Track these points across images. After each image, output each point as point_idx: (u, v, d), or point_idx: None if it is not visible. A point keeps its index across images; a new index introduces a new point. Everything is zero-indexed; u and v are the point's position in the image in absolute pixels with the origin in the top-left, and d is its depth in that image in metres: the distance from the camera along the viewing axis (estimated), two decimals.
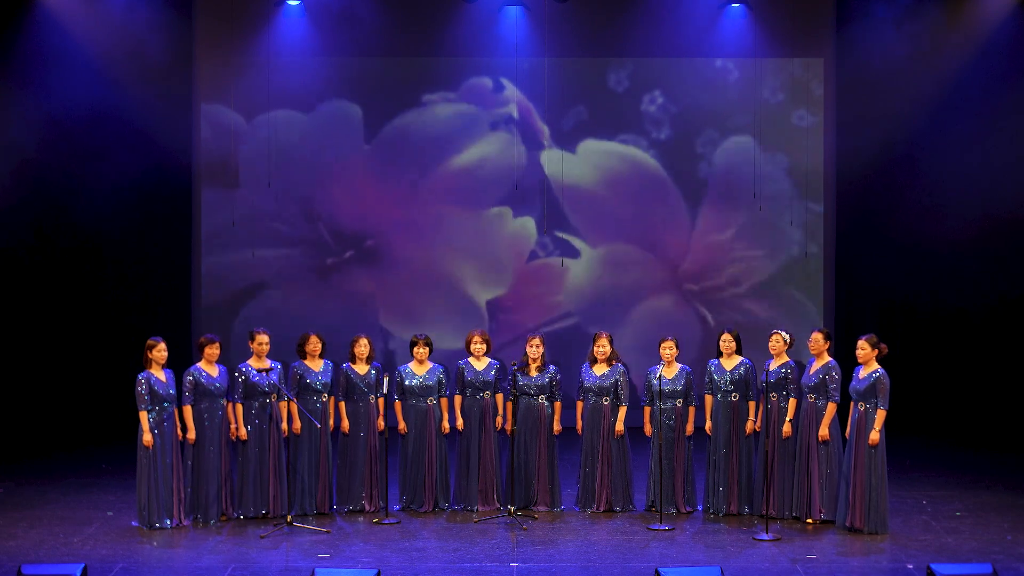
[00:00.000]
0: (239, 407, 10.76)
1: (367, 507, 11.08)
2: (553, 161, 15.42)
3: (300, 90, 15.36)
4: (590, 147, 15.56)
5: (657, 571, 8.59)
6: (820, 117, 15.50)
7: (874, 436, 10.25)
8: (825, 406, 10.58)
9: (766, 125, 15.43)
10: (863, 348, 10.40)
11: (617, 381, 11.08)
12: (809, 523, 10.63)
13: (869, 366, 10.41)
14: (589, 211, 15.58)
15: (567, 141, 15.50)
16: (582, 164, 15.54)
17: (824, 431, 10.56)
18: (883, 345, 10.44)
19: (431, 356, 11.27)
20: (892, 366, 10.72)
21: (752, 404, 10.98)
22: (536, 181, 15.43)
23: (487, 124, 15.54)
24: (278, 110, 15.31)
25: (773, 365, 10.82)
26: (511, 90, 15.50)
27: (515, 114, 15.50)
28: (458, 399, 11.26)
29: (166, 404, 10.49)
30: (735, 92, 15.49)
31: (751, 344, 11.56)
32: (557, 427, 11.18)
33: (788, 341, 10.84)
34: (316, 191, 15.53)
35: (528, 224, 15.54)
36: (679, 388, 11.03)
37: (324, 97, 15.44)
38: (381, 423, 11.15)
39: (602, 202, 15.57)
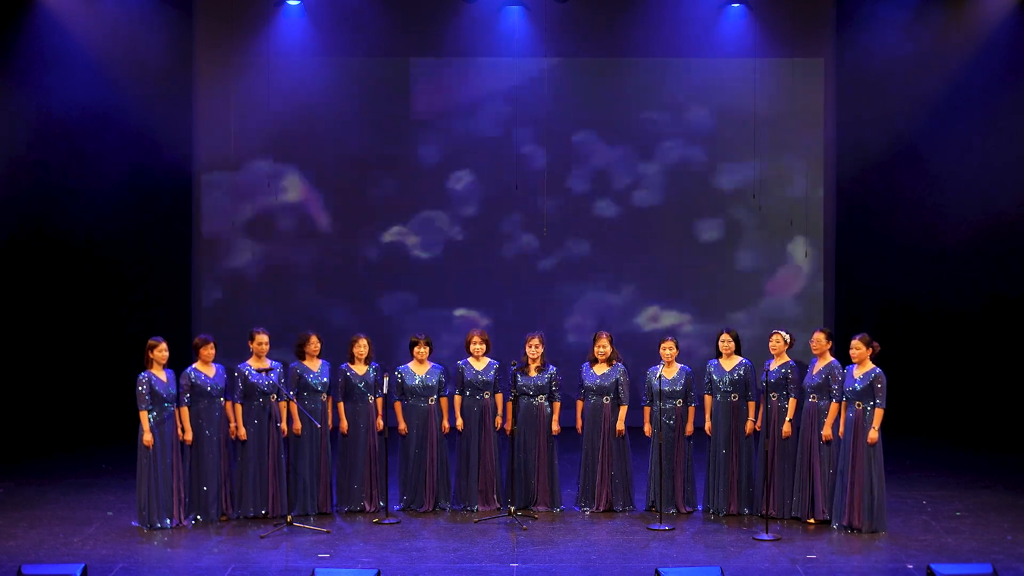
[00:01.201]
0: (239, 407, 10.75)
1: (367, 507, 11.07)
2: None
3: (300, 90, 15.34)
4: None
5: (657, 571, 8.59)
6: (820, 117, 15.48)
7: (872, 435, 10.25)
8: (827, 406, 10.57)
9: (766, 125, 15.41)
10: (857, 347, 10.41)
11: (618, 381, 11.08)
12: (811, 523, 10.62)
13: (864, 365, 10.41)
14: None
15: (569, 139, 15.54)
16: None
17: (827, 431, 10.55)
18: (875, 344, 10.46)
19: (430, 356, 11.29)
20: (892, 366, 10.72)
21: (752, 404, 10.98)
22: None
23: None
24: (278, 110, 15.29)
25: (773, 365, 10.82)
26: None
27: None
28: (458, 399, 11.24)
29: (167, 404, 10.48)
30: (735, 92, 15.47)
31: (752, 344, 11.54)
32: (556, 427, 11.18)
33: (788, 341, 10.83)
34: (314, 190, 15.53)
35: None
36: (679, 388, 11.02)
37: (323, 98, 15.41)
38: (380, 423, 11.14)
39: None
